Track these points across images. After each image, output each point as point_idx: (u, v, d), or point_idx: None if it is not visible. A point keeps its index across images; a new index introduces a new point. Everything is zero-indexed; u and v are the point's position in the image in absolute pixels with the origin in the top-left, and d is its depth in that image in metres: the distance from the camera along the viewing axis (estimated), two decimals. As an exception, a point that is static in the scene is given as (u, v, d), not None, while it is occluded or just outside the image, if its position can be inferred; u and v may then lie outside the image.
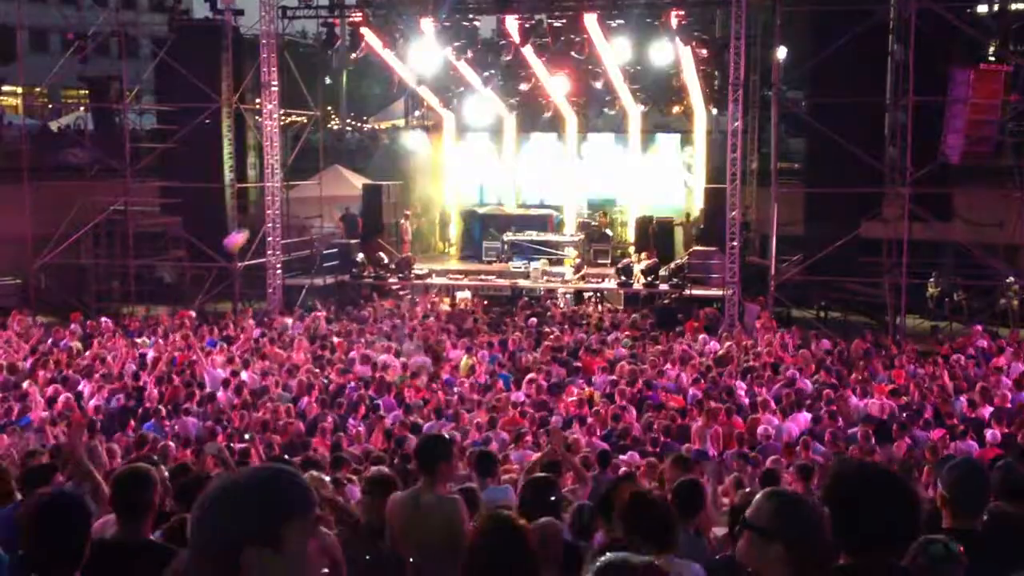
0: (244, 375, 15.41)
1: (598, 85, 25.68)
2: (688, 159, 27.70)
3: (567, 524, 6.02)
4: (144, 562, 4.34)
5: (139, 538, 4.56)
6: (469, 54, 24.80)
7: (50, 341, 18.21)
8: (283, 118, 25.72)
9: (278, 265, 24.51)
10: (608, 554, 2.67)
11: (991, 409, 13.53)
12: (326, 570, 2.39)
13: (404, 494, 5.91)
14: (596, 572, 2.57)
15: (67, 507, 3.94)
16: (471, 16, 24.76)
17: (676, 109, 27.25)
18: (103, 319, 20.57)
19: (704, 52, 23.75)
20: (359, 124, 47.37)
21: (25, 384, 14.42)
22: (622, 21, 23.36)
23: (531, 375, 15.58)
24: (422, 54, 24.90)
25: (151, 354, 17.11)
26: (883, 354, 17.70)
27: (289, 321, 20.83)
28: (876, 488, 3.29)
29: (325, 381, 15.28)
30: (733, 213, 21.99)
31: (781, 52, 23.63)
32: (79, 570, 3.83)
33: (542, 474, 7.05)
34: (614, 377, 15.48)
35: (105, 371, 15.67)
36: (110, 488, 4.94)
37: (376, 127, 44.39)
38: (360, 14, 24.76)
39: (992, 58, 24.45)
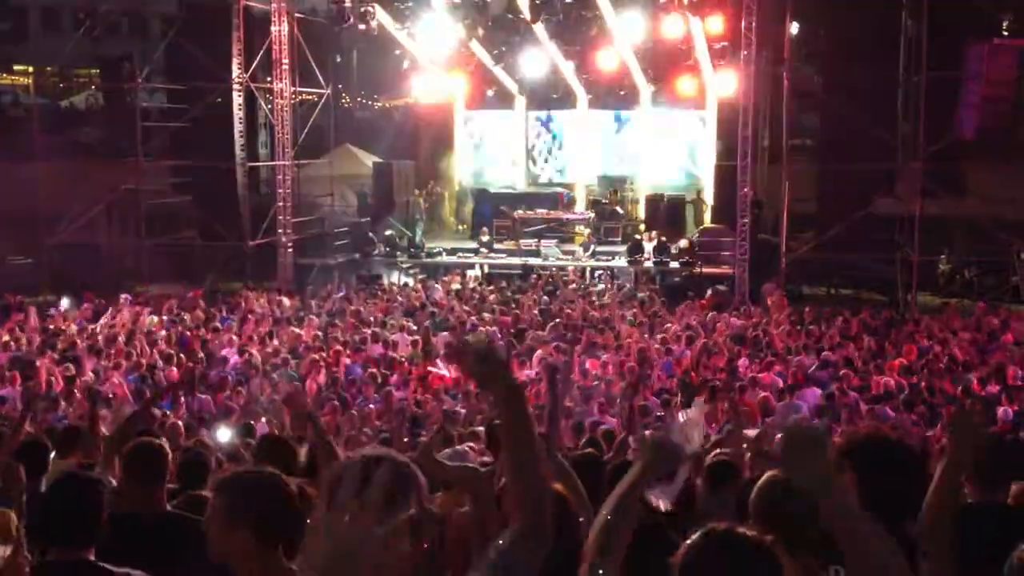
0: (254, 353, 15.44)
1: (609, 62, 25.52)
2: (698, 136, 27.56)
3: None
4: (164, 533, 4.37)
5: (156, 510, 4.58)
6: (480, 31, 24.69)
7: (62, 319, 18.25)
8: (294, 96, 25.69)
9: (289, 244, 24.59)
10: None
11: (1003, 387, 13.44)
12: None
13: None
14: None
15: (81, 485, 3.93)
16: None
17: (687, 86, 27.03)
18: (123, 296, 20.60)
19: (715, 28, 23.55)
20: (370, 102, 47.22)
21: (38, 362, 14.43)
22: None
23: (539, 352, 15.55)
24: (433, 31, 24.82)
25: (162, 333, 17.14)
26: (892, 331, 17.60)
27: (287, 301, 20.75)
28: (880, 455, 3.34)
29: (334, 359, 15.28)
30: (744, 190, 21.89)
31: (793, 27, 23.44)
32: (93, 547, 3.78)
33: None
34: (621, 356, 15.45)
35: (118, 349, 15.70)
36: (122, 462, 4.92)
37: (387, 105, 44.27)
38: (371, -9, 24.65)
39: (1006, 33, 24.22)
